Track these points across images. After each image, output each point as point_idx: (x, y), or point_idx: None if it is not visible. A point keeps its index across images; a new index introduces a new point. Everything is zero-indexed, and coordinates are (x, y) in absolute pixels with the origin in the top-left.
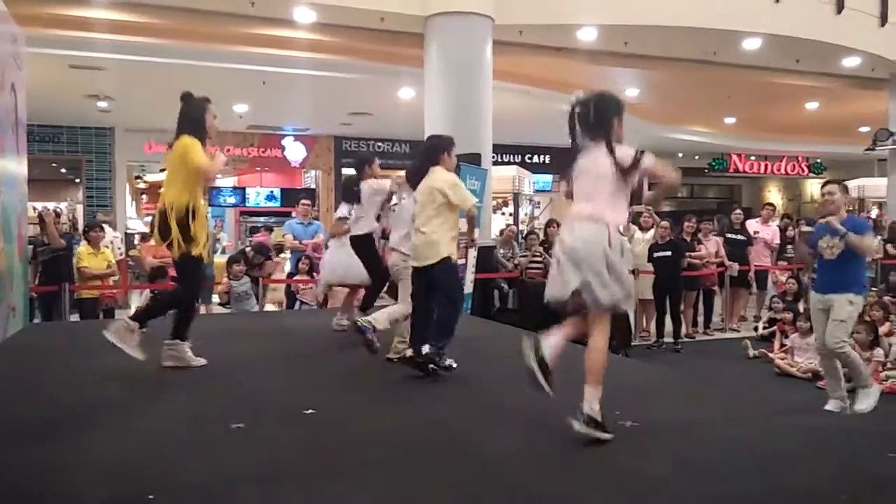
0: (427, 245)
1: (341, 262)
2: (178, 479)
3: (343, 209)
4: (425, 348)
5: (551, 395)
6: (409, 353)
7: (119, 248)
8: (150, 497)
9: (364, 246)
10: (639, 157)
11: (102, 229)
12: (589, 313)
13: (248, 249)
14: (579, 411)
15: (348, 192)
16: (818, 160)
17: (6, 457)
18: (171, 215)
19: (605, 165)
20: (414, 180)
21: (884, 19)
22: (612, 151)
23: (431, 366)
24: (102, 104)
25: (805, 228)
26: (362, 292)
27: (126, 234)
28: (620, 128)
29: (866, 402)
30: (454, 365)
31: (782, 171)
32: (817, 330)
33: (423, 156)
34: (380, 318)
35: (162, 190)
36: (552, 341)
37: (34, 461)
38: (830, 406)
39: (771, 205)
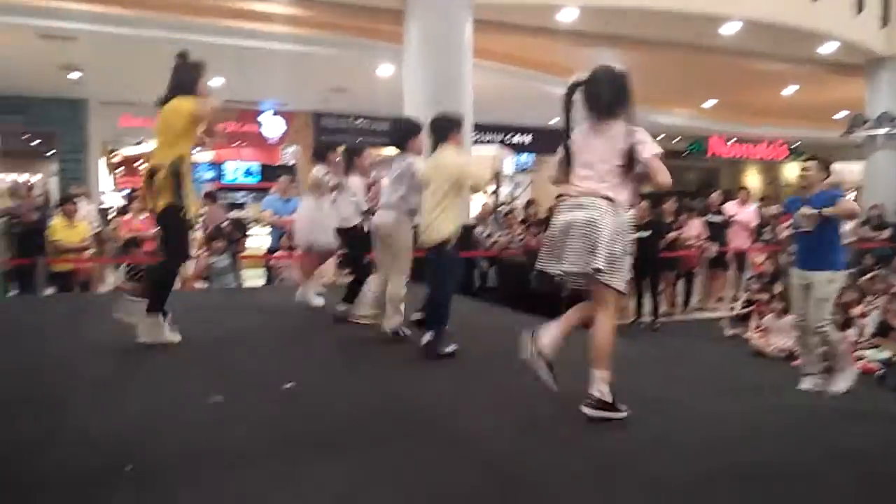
0: (430, 226)
1: (308, 226)
2: (156, 451)
3: (320, 169)
4: (426, 337)
5: (555, 389)
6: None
7: (94, 222)
8: (129, 468)
9: (350, 239)
10: (647, 152)
11: (75, 202)
12: (590, 296)
13: (224, 225)
14: (588, 397)
15: (322, 156)
16: (796, 144)
17: None
18: (160, 170)
19: (613, 143)
20: (394, 139)
21: (860, 7)
22: (631, 132)
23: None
24: (74, 75)
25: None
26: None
27: (101, 208)
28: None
29: (841, 384)
30: (453, 350)
31: (761, 155)
32: (796, 306)
33: (432, 135)
34: (392, 322)
35: (153, 150)
36: (551, 333)
37: (17, 433)
38: (805, 384)
39: (745, 188)
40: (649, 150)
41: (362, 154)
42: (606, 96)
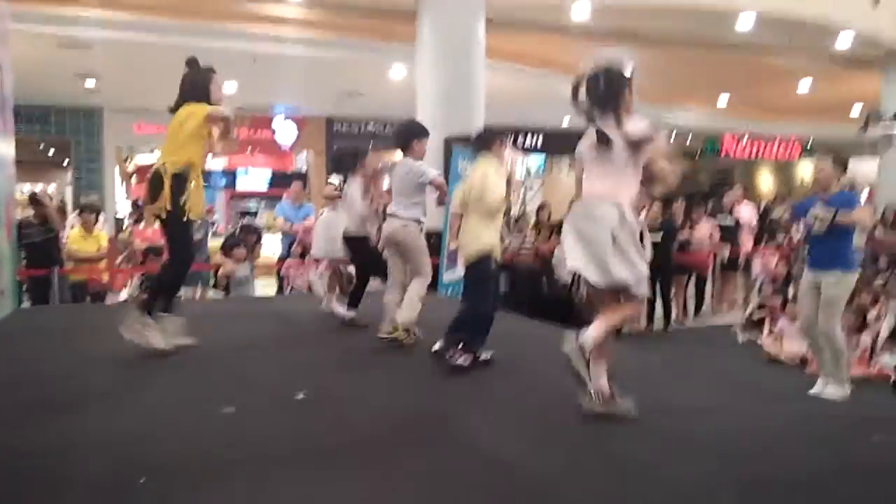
0: (470, 242)
1: (327, 234)
2: (169, 461)
3: (335, 179)
4: (437, 345)
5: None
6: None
7: (107, 231)
8: (142, 481)
9: (358, 247)
10: (648, 134)
11: (95, 213)
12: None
13: (237, 232)
14: (587, 389)
15: (340, 164)
16: (811, 142)
17: (4, 438)
18: (165, 174)
19: (615, 139)
20: (398, 142)
21: None
22: (619, 124)
23: (448, 360)
24: (90, 84)
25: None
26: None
27: (116, 218)
28: (630, 98)
29: (837, 393)
30: (479, 359)
31: (774, 154)
32: (804, 306)
33: (474, 145)
34: (405, 314)
35: (159, 154)
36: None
37: (31, 442)
38: (818, 385)
39: (740, 187)
40: (640, 129)
41: (366, 158)
42: (601, 90)
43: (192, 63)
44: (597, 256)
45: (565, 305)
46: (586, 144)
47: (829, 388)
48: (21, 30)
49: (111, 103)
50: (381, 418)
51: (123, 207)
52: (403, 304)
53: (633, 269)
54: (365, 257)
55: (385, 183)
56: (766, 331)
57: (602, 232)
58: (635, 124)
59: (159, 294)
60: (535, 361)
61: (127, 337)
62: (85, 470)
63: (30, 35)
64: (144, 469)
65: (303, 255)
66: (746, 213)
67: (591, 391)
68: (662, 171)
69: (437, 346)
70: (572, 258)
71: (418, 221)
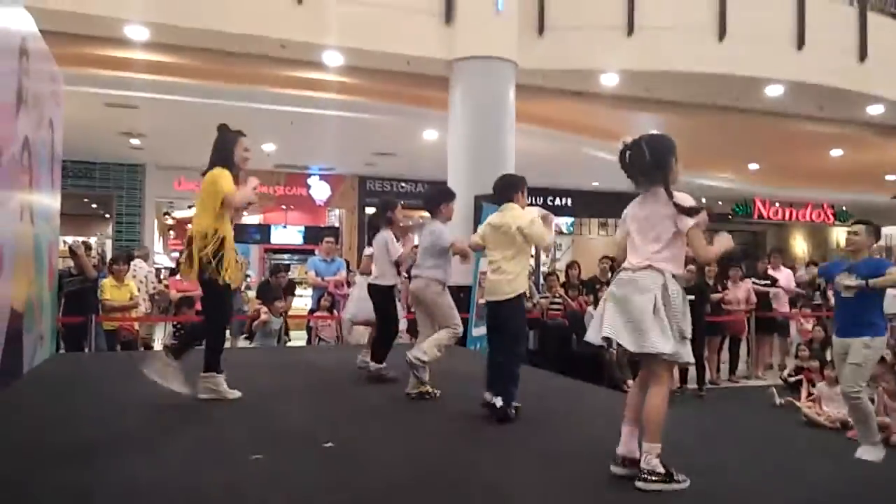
0: (503, 282)
1: (366, 299)
2: None
3: (370, 251)
4: (498, 401)
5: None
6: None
7: (153, 283)
8: None
9: (382, 297)
10: (697, 208)
11: (127, 263)
12: (644, 365)
13: (271, 280)
14: (640, 471)
15: (375, 231)
16: (844, 208)
17: (37, 481)
18: (196, 241)
19: (663, 210)
20: (426, 205)
21: None
22: (670, 195)
23: (508, 414)
24: (135, 141)
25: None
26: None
27: (155, 269)
28: (677, 167)
29: (867, 455)
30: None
31: (807, 217)
32: (840, 375)
33: (498, 194)
34: (427, 348)
35: (192, 220)
36: (626, 437)
37: (63, 486)
38: (864, 454)
39: (777, 251)
40: (685, 222)
41: (395, 208)
42: (647, 160)
43: (221, 129)
44: (634, 324)
45: (594, 362)
46: (634, 212)
47: (860, 450)
48: (71, 91)
49: (154, 160)
50: (409, 468)
51: (161, 259)
52: (426, 343)
53: (672, 339)
54: (388, 307)
55: (414, 239)
56: (804, 393)
57: (644, 301)
58: (683, 198)
59: (190, 344)
60: (564, 417)
61: (150, 376)
62: None
63: (79, 95)
64: None
65: (331, 309)
66: (783, 277)
67: (643, 468)
68: (695, 246)
69: (498, 403)
70: (608, 324)
71: (439, 281)
